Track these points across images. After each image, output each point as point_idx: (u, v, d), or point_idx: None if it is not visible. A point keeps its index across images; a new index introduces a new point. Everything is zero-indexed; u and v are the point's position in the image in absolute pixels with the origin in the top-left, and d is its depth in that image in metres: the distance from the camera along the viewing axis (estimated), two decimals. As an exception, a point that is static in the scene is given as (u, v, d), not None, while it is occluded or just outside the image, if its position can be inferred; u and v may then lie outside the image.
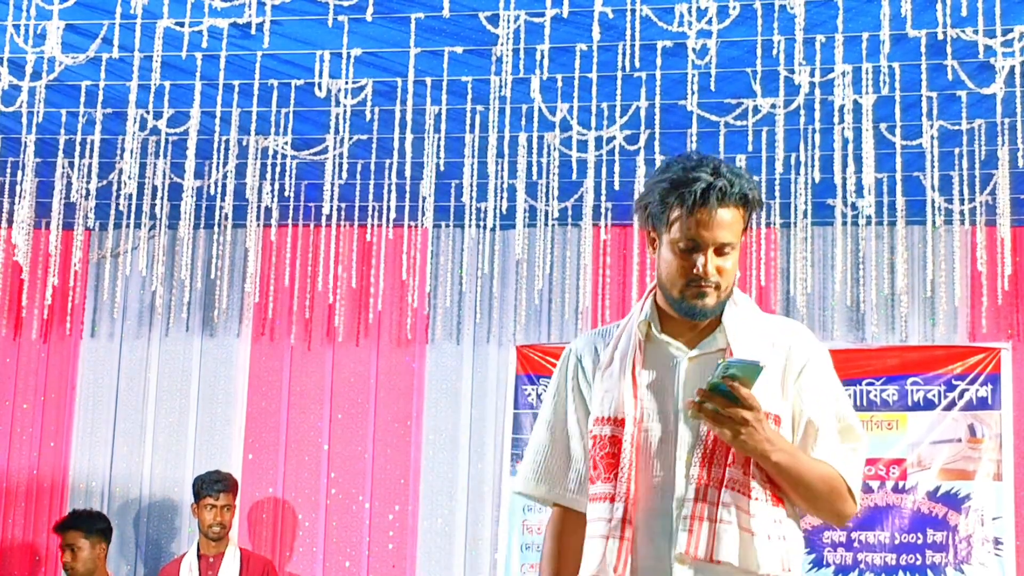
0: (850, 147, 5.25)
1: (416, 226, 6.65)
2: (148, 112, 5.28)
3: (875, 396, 6.47)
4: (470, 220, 6.11)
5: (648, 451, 2.48)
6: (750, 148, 5.48)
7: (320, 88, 5.02)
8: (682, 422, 2.47)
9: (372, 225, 6.43)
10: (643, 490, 2.47)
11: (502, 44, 4.67)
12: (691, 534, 2.40)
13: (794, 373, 2.52)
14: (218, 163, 5.74)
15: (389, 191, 6.05)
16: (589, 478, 2.54)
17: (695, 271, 2.48)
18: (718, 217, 2.47)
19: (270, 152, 5.79)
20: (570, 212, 6.22)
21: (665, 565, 2.42)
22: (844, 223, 6.29)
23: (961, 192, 5.73)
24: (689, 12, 4.52)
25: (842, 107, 5.01)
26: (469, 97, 5.20)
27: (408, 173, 5.65)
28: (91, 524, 6.27)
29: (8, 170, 6.08)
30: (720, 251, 2.49)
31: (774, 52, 4.72)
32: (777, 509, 2.46)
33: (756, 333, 2.54)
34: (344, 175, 5.78)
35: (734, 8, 4.52)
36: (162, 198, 5.94)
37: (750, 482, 2.42)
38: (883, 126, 5.25)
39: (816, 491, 2.46)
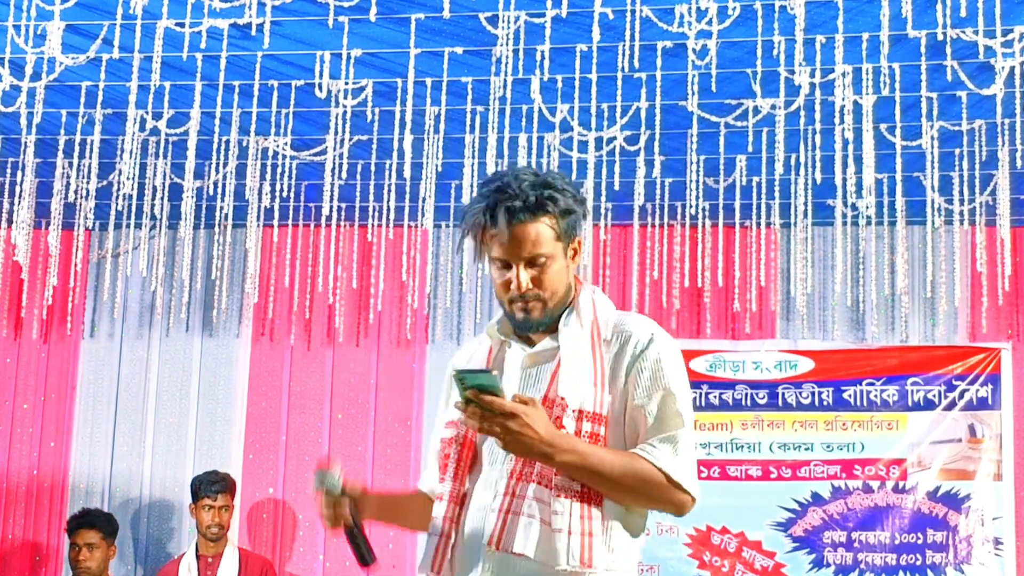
0: (850, 147, 5.25)
1: (416, 226, 6.65)
2: (148, 112, 5.28)
3: (875, 396, 6.48)
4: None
5: (483, 451, 2.55)
6: (750, 148, 5.48)
7: (320, 88, 5.02)
8: None
9: (372, 225, 6.43)
10: (477, 487, 2.52)
11: (502, 44, 4.67)
12: (496, 526, 2.44)
13: (626, 366, 2.52)
14: (218, 163, 5.74)
15: (389, 191, 6.05)
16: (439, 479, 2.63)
17: (511, 288, 2.53)
18: (516, 233, 2.49)
19: (270, 152, 5.79)
20: (570, 212, 6.20)
21: (476, 559, 2.48)
22: (844, 223, 6.29)
23: (961, 192, 5.73)
24: (689, 13, 4.52)
25: (842, 108, 5.01)
26: (469, 97, 5.19)
27: (408, 173, 5.64)
28: (107, 524, 6.32)
29: (8, 170, 6.08)
30: (531, 264, 2.51)
31: (774, 53, 4.72)
32: (586, 506, 2.44)
33: (589, 332, 2.55)
34: (344, 175, 5.78)
35: (734, 9, 4.51)
36: (162, 198, 5.94)
37: (554, 478, 2.42)
38: (883, 126, 5.25)
39: (624, 486, 2.43)
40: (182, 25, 4.68)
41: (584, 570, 2.41)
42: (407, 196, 6.14)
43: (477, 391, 2.34)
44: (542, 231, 2.50)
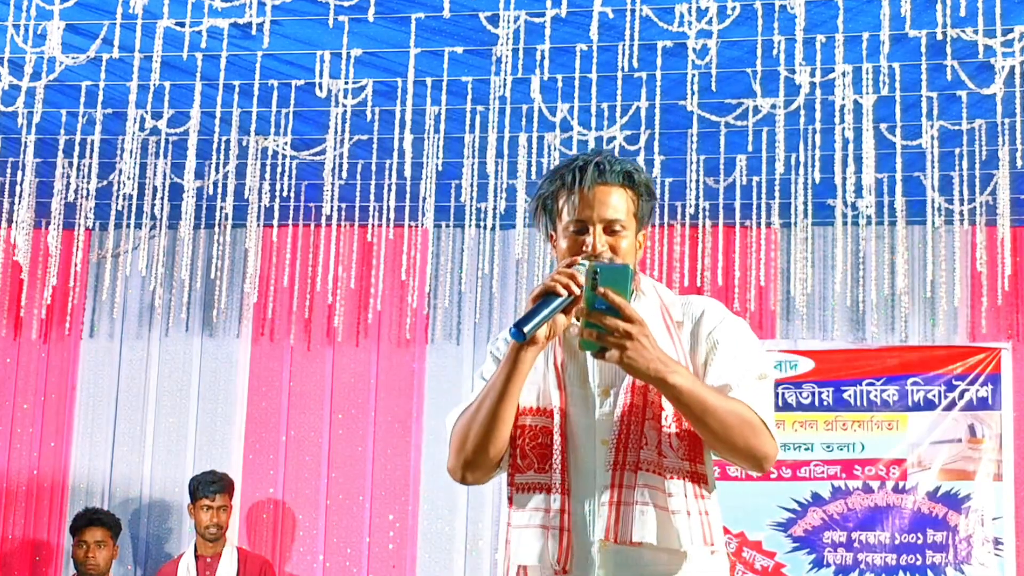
0: (850, 147, 5.25)
1: (416, 226, 6.65)
2: (148, 112, 5.28)
3: (875, 396, 6.47)
4: (470, 220, 6.11)
5: (574, 440, 2.48)
6: (750, 148, 5.48)
7: (320, 88, 5.02)
8: (599, 408, 2.47)
9: (372, 225, 6.43)
10: (573, 479, 2.46)
11: (502, 44, 4.67)
12: (609, 519, 2.39)
13: (704, 341, 2.50)
14: (218, 163, 5.74)
15: (389, 191, 6.05)
16: (512, 465, 2.52)
17: (584, 249, 2.47)
18: (599, 194, 2.49)
19: (270, 152, 5.79)
20: (570, 212, 6.21)
21: (590, 552, 2.42)
22: (844, 223, 6.28)
23: (961, 192, 5.73)
24: (689, 12, 4.52)
25: (842, 107, 5.01)
26: (469, 97, 5.19)
27: (408, 173, 5.64)
28: (113, 523, 6.34)
29: (8, 170, 6.08)
30: (609, 229, 2.49)
31: (774, 52, 4.72)
32: (697, 485, 2.42)
33: (661, 316, 2.52)
34: (344, 175, 5.78)
35: (734, 8, 4.52)
36: (162, 198, 5.94)
37: (663, 461, 2.40)
38: (883, 126, 5.25)
39: (726, 422, 2.36)
40: (182, 25, 4.68)
41: (707, 549, 2.41)
42: (407, 196, 6.14)
43: (607, 290, 2.25)
44: (625, 200, 2.51)
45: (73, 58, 4.90)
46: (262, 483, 6.82)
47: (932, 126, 5.17)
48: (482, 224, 6.40)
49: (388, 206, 6.13)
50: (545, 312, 2.33)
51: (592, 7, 4.49)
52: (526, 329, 2.30)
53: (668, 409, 2.42)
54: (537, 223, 2.61)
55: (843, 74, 4.85)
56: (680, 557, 2.40)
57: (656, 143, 5.49)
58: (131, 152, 5.48)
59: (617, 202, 2.49)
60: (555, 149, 5.49)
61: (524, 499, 2.49)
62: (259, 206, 6.03)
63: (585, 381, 2.50)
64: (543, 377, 2.51)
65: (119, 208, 6.16)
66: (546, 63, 4.80)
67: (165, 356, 7.00)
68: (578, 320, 2.33)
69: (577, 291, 2.33)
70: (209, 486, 6.25)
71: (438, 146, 5.47)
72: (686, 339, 2.51)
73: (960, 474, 6.37)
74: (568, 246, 2.50)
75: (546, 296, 2.35)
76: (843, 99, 4.93)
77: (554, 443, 2.47)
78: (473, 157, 5.54)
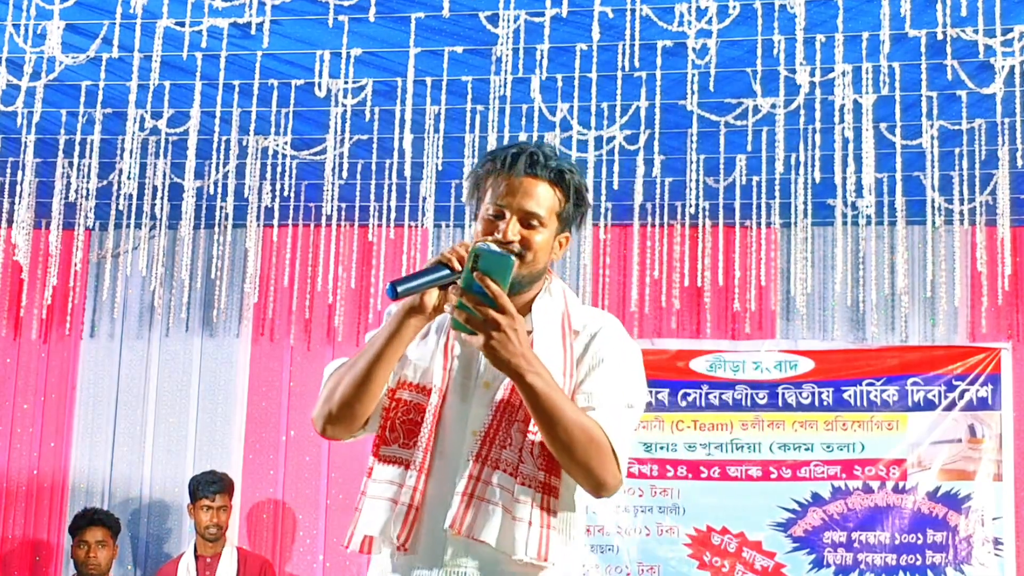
0: (850, 147, 5.25)
1: (416, 226, 6.65)
2: (148, 112, 5.28)
3: (875, 396, 6.47)
4: (470, 220, 6.10)
5: (446, 424, 2.47)
6: (750, 148, 5.48)
7: (320, 88, 5.02)
8: (476, 399, 2.46)
9: (372, 225, 6.43)
10: (436, 462, 2.45)
11: (502, 44, 4.67)
12: (458, 510, 2.38)
13: (593, 350, 2.47)
14: (218, 163, 5.74)
15: (389, 191, 6.05)
16: (379, 436, 2.52)
17: (495, 234, 2.43)
18: (526, 185, 2.45)
19: (270, 152, 5.79)
20: (570, 212, 6.21)
21: (439, 538, 2.42)
22: (844, 223, 6.29)
23: (961, 192, 5.73)
24: (689, 12, 4.52)
25: (842, 107, 5.01)
26: (469, 97, 5.19)
27: (408, 173, 5.64)
28: (113, 523, 6.34)
29: (8, 170, 6.08)
30: (526, 221, 2.45)
31: (774, 52, 4.72)
32: (547, 497, 2.39)
33: (560, 320, 2.50)
34: (344, 175, 5.78)
35: (734, 8, 4.52)
36: (162, 198, 5.93)
37: (520, 466, 2.38)
38: (883, 126, 5.25)
39: (573, 436, 2.32)
40: (182, 24, 4.68)
41: (540, 563, 2.37)
42: (407, 196, 6.14)
43: (484, 276, 2.24)
44: (551, 197, 2.47)
45: (73, 58, 4.90)
46: (262, 483, 6.82)
47: (932, 126, 5.17)
48: (482, 224, 6.39)
49: (388, 206, 6.13)
50: (425, 279, 2.31)
51: (592, 7, 4.49)
52: (400, 288, 2.28)
53: None
54: (469, 201, 2.58)
55: (843, 74, 4.85)
56: (513, 564, 2.38)
57: (656, 143, 5.49)
58: (131, 152, 5.48)
59: (541, 196, 2.46)
60: (555, 149, 5.49)
61: (383, 471, 2.49)
62: (259, 206, 6.03)
63: (470, 370, 2.49)
64: (431, 356, 2.50)
65: (119, 208, 6.16)
66: (546, 63, 4.80)
67: (165, 356, 6.99)
68: (456, 298, 2.30)
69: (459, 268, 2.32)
70: (209, 486, 6.25)
71: (438, 146, 5.47)
72: (578, 349, 2.48)
73: (960, 474, 6.37)
74: (482, 228, 2.47)
75: (436, 265, 2.34)
76: (843, 99, 4.93)
77: (425, 421, 2.46)
78: (473, 157, 5.54)
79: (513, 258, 2.29)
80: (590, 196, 2.58)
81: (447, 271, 2.33)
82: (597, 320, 2.53)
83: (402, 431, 2.50)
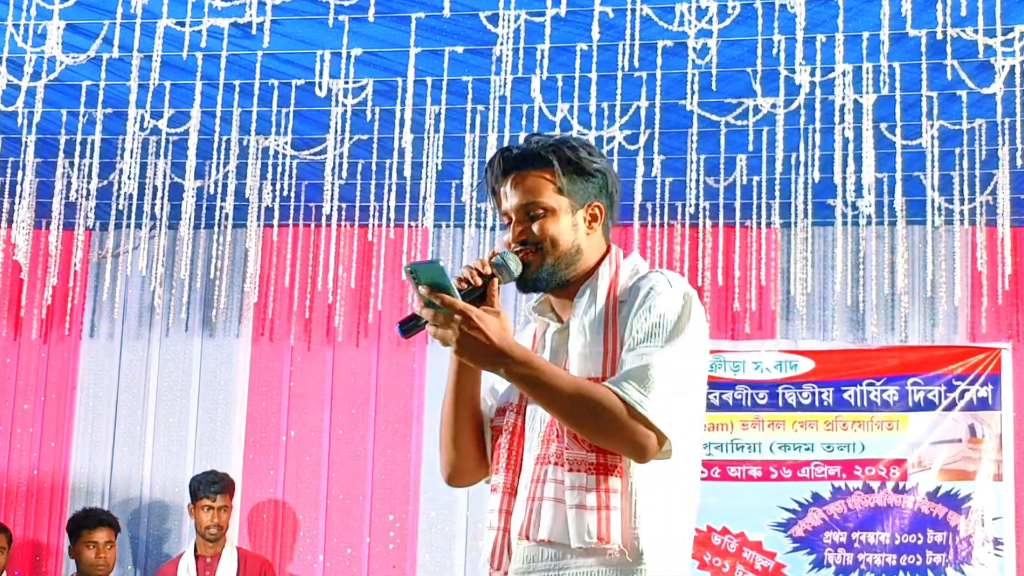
0: (850, 147, 5.25)
1: (416, 226, 6.65)
2: (148, 112, 5.28)
3: (875, 396, 6.47)
4: (470, 220, 6.11)
5: (524, 439, 2.44)
6: (750, 148, 5.48)
7: (320, 88, 5.02)
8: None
9: (372, 225, 6.43)
10: (519, 479, 2.42)
11: (502, 44, 4.67)
12: (524, 516, 2.35)
13: (628, 317, 2.37)
14: (218, 163, 5.74)
15: (389, 191, 6.05)
16: (491, 468, 2.52)
17: (510, 243, 2.44)
18: (513, 184, 2.43)
19: (270, 152, 5.79)
20: (570, 212, 6.21)
21: (517, 551, 2.39)
22: (844, 223, 6.29)
23: (961, 192, 5.73)
24: (689, 11, 4.52)
25: (842, 107, 5.01)
26: (469, 97, 5.20)
27: (408, 173, 5.64)
28: (116, 523, 6.35)
29: (8, 170, 6.08)
30: (531, 216, 2.42)
31: (774, 52, 4.72)
32: (606, 478, 2.27)
33: (607, 296, 2.42)
34: (344, 175, 5.78)
35: (734, 8, 4.52)
36: (162, 198, 5.93)
37: (567, 452, 2.29)
38: (883, 126, 5.25)
39: (576, 412, 2.23)
40: (182, 24, 4.68)
41: (603, 547, 2.26)
42: (407, 196, 6.14)
43: (431, 288, 2.22)
44: (540, 182, 2.42)
45: (73, 58, 4.90)
46: (262, 483, 6.82)
47: (932, 126, 5.17)
48: (482, 224, 6.40)
49: (388, 206, 6.13)
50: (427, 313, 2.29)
51: (592, 6, 4.49)
52: (403, 328, 2.31)
53: None
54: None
55: (843, 74, 4.85)
56: (576, 554, 2.29)
57: (656, 143, 5.49)
58: (131, 152, 5.48)
59: (531, 187, 2.42)
60: (555, 149, 5.48)
61: (489, 500, 2.49)
62: (259, 206, 6.03)
63: None
64: None
65: (119, 208, 6.16)
66: (546, 63, 4.80)
67: (165, 356, 6.99)
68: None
69: (479, 281, 2.34)
70: (211, 486, 6.24)
71: (438, 146, 5.47)
72: (622, 322, 2.37)
73: (960, 474, 6.37)
74: (505, 241, 2.47)
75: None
76: (843, 99, 4.93)
77: (505, 441, 2.45)
78: (473, 157, 5.54)
79: (439, 260, 2.25)
80: (593, 155, 2.46)
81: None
82: (639, 283, 2.40)
83: (497, 457, 2.48)
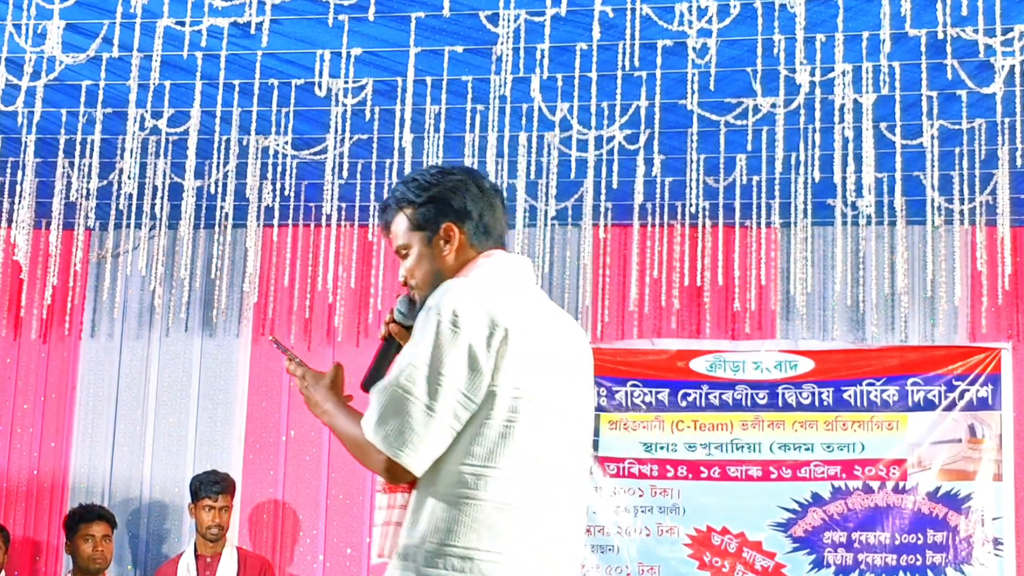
0: (850, 147, 5.25)
1: (416, 226, 6.64)
2: (148, 111, 5.28)
3: (875, 396, 6.47)
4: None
5: None
6: (750, 148, 5.48)
7: (320, 88, 5.02)
8: None
9: (372, 225, 6.43)
10: None
11: (502, 43, 4.66)
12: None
13: None
14: (218, 163, 5.74)
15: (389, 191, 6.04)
16: None
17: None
18: (390, 233, 2.70)
19: (270, 152, 5.79)
20: (570, 212, 6.22)
21: None
22: (844, 223, 6.29)
23: (961, 192, 5.73)
24: (689, 11, 4.52)
25: (842, 107, 5.01)
26: (469, 97, 5.19)
27: (408, 172, 5.64)
28: (112, 518, 6.35)
29: (8, 170, 6.08)
30: (401, 256, 2.69)
31: (774, 51, 4.72)
32: (401, 495, 2.49)
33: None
34: (344, 175, 5.78)
35: (734, 7, 4.51)
36: (162, 198, 5.93)
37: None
38: (883, 125, 5.25)
39: (354, 453, 2.52)
40: (182, 24, 4.68)
41: (388, 560, 2.47)
42: (407, 196, 6.13)
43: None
44: (398, 224, 2.66)
45: (73, 57, 4.90)
46: (262, 483, 6.82)
47: (932, 125, 5.17)
48: (482, 224, 6.38)
49: (388, 206, 6.12)
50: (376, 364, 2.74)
51: (592, 6, 4.49)
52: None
53: None
54: None
55: (843, 73, 4.84)
56: (385, 566, 2.48)
57: (656, 142, 5.49)
58: (131, 152, 5.48)
59: (394, 230, 2.68)
60: (555, 148, 5.50)
61: None
62: (259, 206, 6.03)
63: None
64: None
65: (119, 208, 6.16)
66: (546, 62, 4.79)
67: (165, 356, 6.99)
68: None
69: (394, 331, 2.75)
70: (212, 486, 6.24)
71: (438, 146, 5.47)
72: None
73: (960, 474, 6.37)
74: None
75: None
76: (843, 98, 4.93)
77: None
78: (473, 156, 5.53)
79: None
80: (422, 183, 2.65)
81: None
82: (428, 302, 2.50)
83: None
